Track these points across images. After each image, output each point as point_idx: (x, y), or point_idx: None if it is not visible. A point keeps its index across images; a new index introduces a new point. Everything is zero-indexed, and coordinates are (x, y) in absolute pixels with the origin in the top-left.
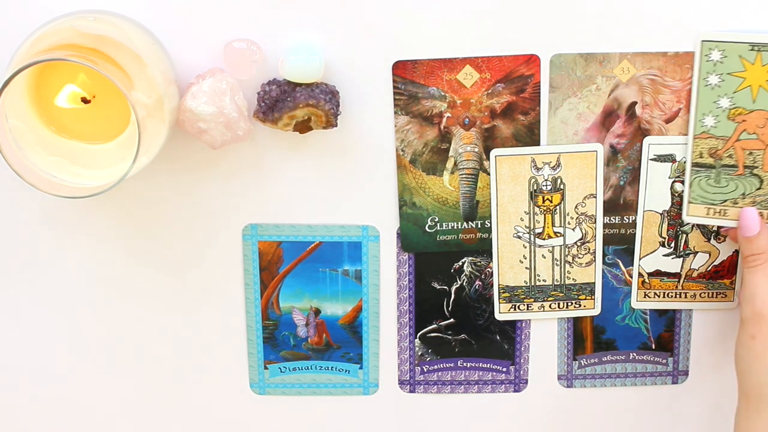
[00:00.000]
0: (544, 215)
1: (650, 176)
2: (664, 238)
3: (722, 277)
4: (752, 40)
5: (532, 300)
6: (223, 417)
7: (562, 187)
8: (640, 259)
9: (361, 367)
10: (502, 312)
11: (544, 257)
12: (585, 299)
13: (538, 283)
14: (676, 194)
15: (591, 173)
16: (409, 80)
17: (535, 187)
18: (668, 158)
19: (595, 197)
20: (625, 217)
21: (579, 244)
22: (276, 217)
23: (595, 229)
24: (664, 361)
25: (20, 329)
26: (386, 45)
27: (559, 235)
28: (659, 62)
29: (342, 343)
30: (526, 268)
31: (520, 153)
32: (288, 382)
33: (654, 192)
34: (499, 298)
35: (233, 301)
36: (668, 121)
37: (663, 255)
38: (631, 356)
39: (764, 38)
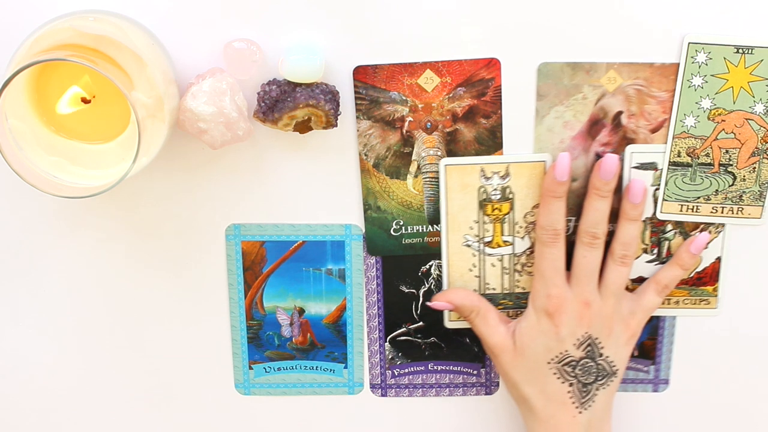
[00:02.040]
0: (494, 224)
1: None
2: (647, 245)
3: (705, 284)
4: (738, 42)
5: None
6: (208, 417)
7: (511, 196)
8: None
9: (345, 367)
10: (451, 320)
11: (494, 266)
12: None
13: (487, 292)
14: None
15: (540, 183)
16: (370, 85)
17: (484, 197)
18: (650, 166)
19: None
20: (610, 225)
21: (528, 253)
22: (275, 217)
23: None
24: (646, 368)
25: (19, 329)
26: (375, 46)
27: (508, 244)
28: (645, 73)
29: (326, 342)
30: (476, 276)
31: (469, 162)
32: (273, 382)
33: None
34: None
35: (217, 301)
36: (654, 131)
37: (646, 261)
38: None
39: (749, 41)
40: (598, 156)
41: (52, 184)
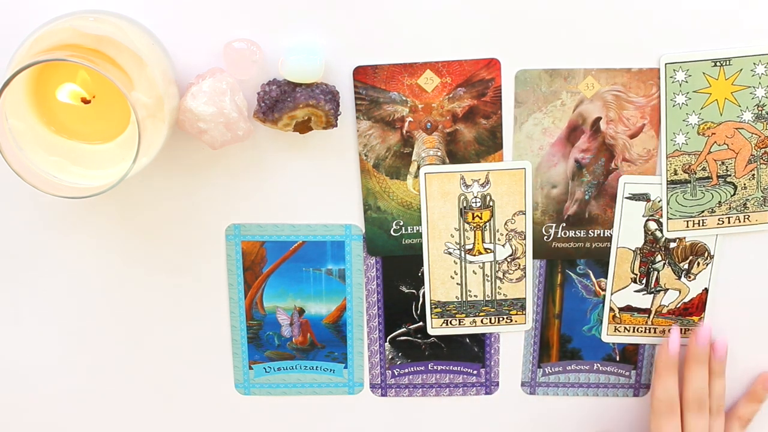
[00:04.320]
0: (474, 232)
1: (625, 214)
2: (636, 275)
3: (691, 314)
4: (714, 56)
5: (464, 315)
6: (208, 417)
7: (491, 204)
8: (612, 294)
9: (345, 367)
10: (434, 327)
11: (475, 273)
12: (516, 314)
13: (469, 299)
14: (650, 232)
15: (520, 190)
16: (370, 85)
17: (464, 204)
18: (643, 197)
19: (524, 214)
20: (590, 231)
21: (509, 260)
22: (275, 217)
23: (525, 245)
24: (627, 373)
25: (20, 329)
26: (375, 46)
27: (489, 251)
28: (623, 78)
29: (326, 342)
30: (457, 283)
31: (449, 170)
32: (273, 382)
33: (628, 229)
34: (432, 314)
35: (217, 301)
36: (632, 136)
37: (634, 291)
38: (595, 367)
39: (725, 53)
40: (578, 163)
41: (52, 184)
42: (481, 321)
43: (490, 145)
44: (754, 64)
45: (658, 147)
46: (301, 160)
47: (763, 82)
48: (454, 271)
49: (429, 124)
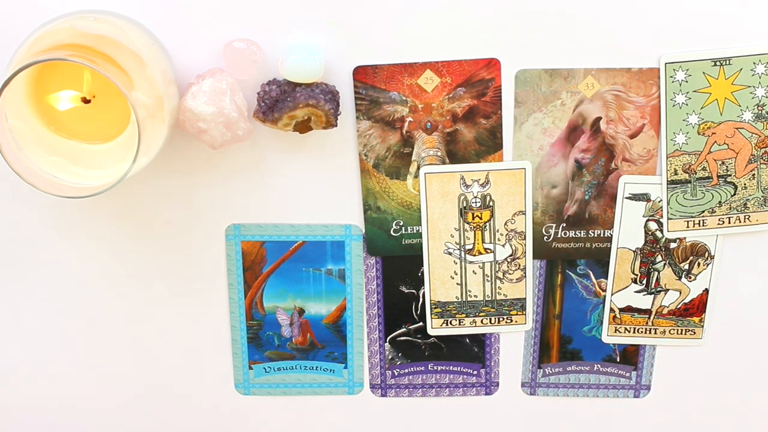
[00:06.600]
0: (474, 232)
1: (625, 214)
2: (636, 275)
3: (692, 314)
4: (714, 56)
5: (464, 315)
6: (208, 417)
7: (491, 204)
8: (612, 294)
9: (345, 367)
10: (434, 327)
11: (475, 273)
12: (516, 314)
13: (469, 299)
14: (650, 233)
15: (520, 190)
16: (370, 85)
17: (464, 204)
18: (643, 197)
19: (524, 214)
20: (590, 231)
21: (509, 260)
22: (275, 217)
23: (525, 245)
24: (628, 374)
25: (19, 329)
26: (375, 46)
27: (489, 251)
28: (623, 78)
29: (326, 342)
30: (457, 284)
31: (449, 170)
32: (273, 382)
33: (628, 230)
34: (432, 314)
35: (217, 301)
36: (633, 136)
37: (635, 291)
38: (595, 367)
39: (725, 53)
40: (578, 163)
41: (52, 184)
42: (481, 321)
43: (490, 145)
44: (754, 63)
45: (658, 147)
46: (301, 160)
47: (763, 82)
48: (454, 271)
49: (429, 124)
